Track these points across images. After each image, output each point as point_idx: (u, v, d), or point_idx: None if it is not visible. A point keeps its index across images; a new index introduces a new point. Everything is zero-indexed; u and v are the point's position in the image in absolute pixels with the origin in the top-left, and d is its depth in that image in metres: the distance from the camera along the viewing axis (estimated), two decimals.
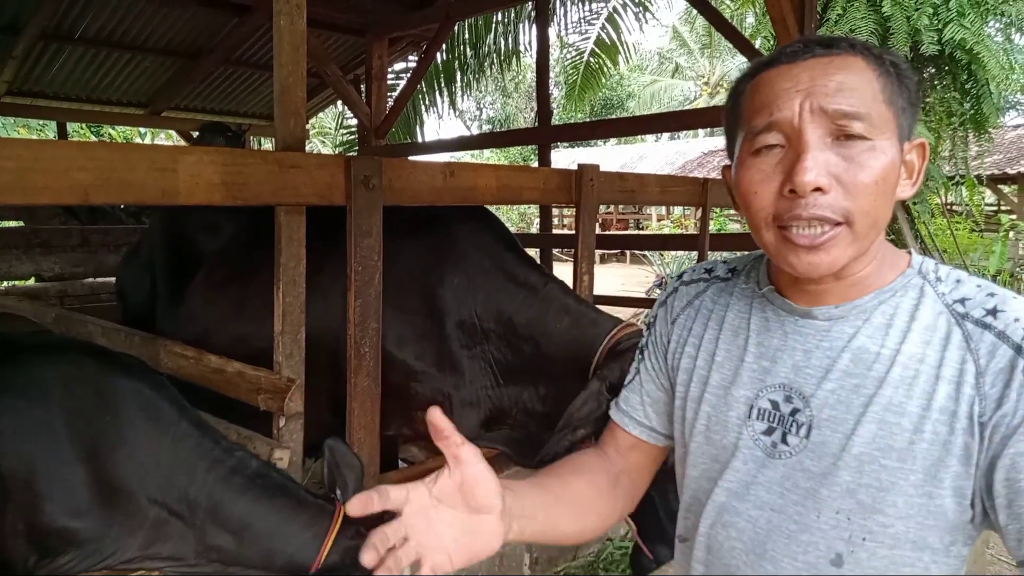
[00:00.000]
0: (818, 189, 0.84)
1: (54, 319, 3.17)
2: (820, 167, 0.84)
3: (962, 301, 0.89)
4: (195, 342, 2.47)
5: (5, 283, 6.20)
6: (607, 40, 9.65)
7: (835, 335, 0.93)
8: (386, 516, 1.82)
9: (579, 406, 2.27)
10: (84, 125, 15.04)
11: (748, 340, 1.00)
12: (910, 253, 0.96)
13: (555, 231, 7.99)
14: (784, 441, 0.94)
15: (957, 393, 0.84)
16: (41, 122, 16.28)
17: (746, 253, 1.12)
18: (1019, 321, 0.84)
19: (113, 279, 6.35)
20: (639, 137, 23.32)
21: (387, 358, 2.57)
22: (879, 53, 0.89)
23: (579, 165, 2.93)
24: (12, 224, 7.03)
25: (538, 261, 5.96)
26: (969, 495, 0.85)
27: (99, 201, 1.66)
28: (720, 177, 1.11)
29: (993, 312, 0.86)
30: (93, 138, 17.35)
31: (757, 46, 7.91)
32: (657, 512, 2.04)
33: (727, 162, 1.02)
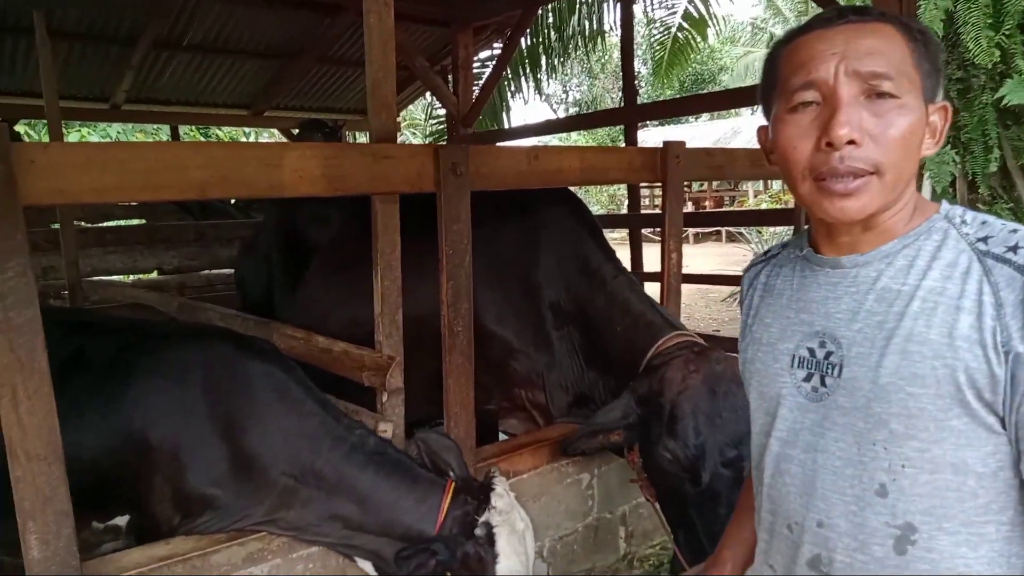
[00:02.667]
0: (851, 142, 0.92)
1: (178, 307, 3.44)
2: (853, 123, 0.91)
3: (985, 239, 0.93)
4: (315, 325, 2.66)
5: (131, 277, 6.71)
6: (695, 13, 9.41)
7: (861, 279, 1.00)
8: (490, 489, 1.94)
9: (606, 411, 2.35)
10: (193, 127, 15.94)
11: (790, 298, 1.10)
12: (940, 204, 1.02)
13: (645, 211, 7.89)
14: (823, 383, 1.01)
15: (979, 323, 0.88)
16: (154, 126, 17.36)
17: (806, 229, 1.19)
18: None
19: (226, 270, 6.82)
20: (733, 112, 22.58)
21: (488, 335, 2.69)
22: (907, 22, 0.97)
23: (664, 142, 2.93)
24: (135, 222, 7.60)
25: (627, 242, 5.97)
26: (999, 416, 0.89)
27: (214, 196, 1.82)
28: None
29: (1014, 248, 0.90)
30: (202, 139, 18.38)
31: None
32: (698, 533, 2.07)
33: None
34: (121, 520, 2.04)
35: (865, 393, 0.95)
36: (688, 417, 2.13)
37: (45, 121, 7.85)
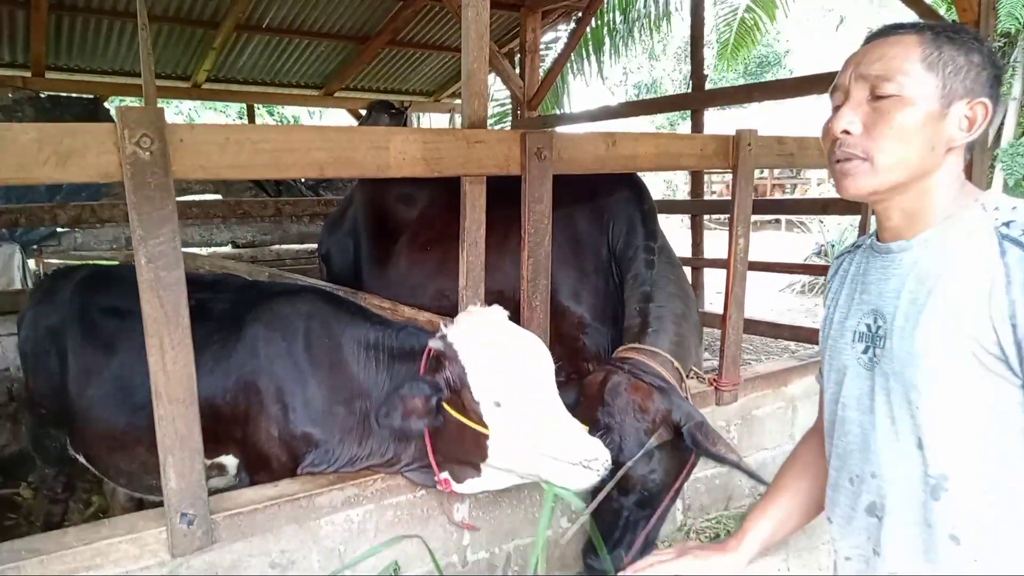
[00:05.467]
0: (846, 132, 1.14)
1: (268, 278, 3.68)
2: (849, 116, 1.14)
3: (1008, 223, 1.06)
4: (406, 295, 2.95)
5: (206, 250, 7.07)
6: None
7: (905, 262, 1.17)
8: None
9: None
10: (259, 105, 16.42)
11: (854, 280, 1.28)
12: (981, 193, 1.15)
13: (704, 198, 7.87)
14: (874, 354, 1.20)
15: (989, 299, 1.04)
16: (223, 104, 17.99)
17: None
18: None
19: (295, 246, 7.13)
20: None
21: (563, 310, 2.85)
22: (937, 28, 1.13)
23: (736, 130, 3.00)
24: (211, 197, 7.96)
25: (689, 229, 6.02)
26: (1012, 377, 1.04)
27: (330, 175, 2.01)
28: None
29: None
30: (270, 118, 18.90)
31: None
32: (620, 521, 2.17)
33: None
34: (225, 459, 2.29)
35: (901, 361, 1.13)
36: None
37: (136, 98, 8.30)
